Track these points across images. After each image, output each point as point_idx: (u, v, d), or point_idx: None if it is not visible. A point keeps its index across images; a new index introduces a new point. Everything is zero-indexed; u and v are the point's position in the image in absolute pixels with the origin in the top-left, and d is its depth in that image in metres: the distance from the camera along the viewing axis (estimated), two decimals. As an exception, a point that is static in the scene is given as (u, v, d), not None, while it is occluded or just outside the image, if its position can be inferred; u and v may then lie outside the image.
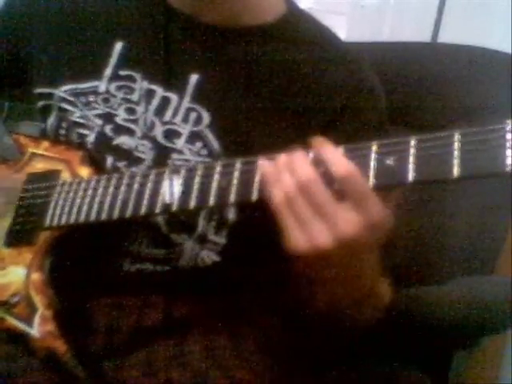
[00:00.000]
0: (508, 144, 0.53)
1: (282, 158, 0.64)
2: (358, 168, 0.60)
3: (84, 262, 0.82)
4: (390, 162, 0.60)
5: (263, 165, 0.65)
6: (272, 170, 0.64)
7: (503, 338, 1.36)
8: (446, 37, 1.67)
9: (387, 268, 0.81)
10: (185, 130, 0.82)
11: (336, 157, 0.62)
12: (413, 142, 0.59)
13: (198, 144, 0.81)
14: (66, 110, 0.86)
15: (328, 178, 0.62)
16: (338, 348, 0.91)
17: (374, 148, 0.61)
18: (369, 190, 0.60)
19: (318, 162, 0.63)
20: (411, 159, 0.58)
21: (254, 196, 0.66)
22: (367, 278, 0.70)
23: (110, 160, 0.83)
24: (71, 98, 0.86)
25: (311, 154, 0.64)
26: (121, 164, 0.83)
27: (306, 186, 0.61)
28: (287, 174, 0.63)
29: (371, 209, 0.60)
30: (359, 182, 0.60)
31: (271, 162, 0.65)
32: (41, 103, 0.89)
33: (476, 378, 1.25)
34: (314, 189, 0.61)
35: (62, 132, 0.87)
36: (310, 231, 0.61)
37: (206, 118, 0.82)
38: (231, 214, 0.81)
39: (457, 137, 0.56)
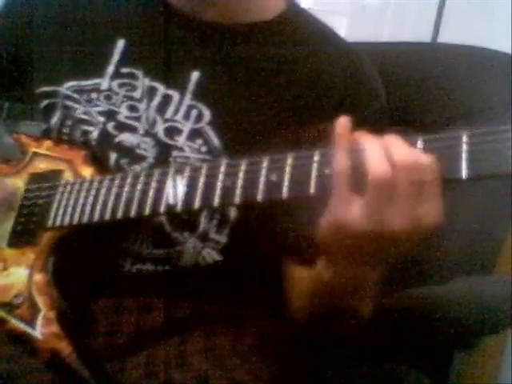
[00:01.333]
0: None
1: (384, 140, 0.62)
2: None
3: (86, 263, 0.82)
4: None
5: (366, 140, 0.62)
6: (374, 147, 0.61)
7: (503, 338, 1.36)
8: (446, 37, 1.67)
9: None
10: (185, 127, 0.82)
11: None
12: (419, 143, 0.59)
13: (199, 141, 0.82)
14: (69, 107, 0.86)
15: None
16: (338, 348, 0.91)
17: None
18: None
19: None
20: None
21: (259, 197, 0.66)
22: (378, 267, 0.69)
23: (113, 157, 0.83)
24: (74, 95, 0.86)
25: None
26: (123, 161, 0.83)
27: (411, 169, 0.59)
28: (394, 154, 0.60)
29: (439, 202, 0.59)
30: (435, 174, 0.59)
31: (375, 140, 0.62)
32: (45, 102, 0.88)
33: (476, 378, 1.25)
34: (417, 172, 0.59)
35: (66, 130, 0.87)
36: (395, 211, 0.59)
37: (207, 115, 0.82)
38: (233, 213, 0.81)
39: (464, 138, 0.56)
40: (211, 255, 0.83)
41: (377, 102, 0.86)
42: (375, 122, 0.84)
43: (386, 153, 0.60)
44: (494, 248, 1.01)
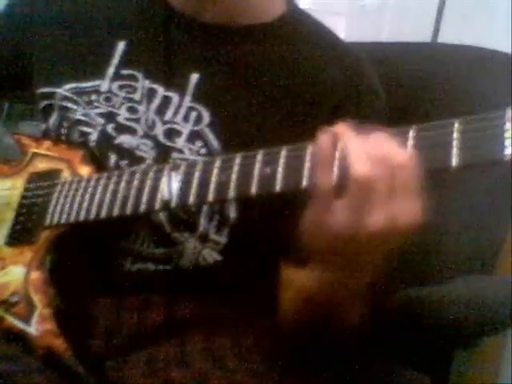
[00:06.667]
0: (507, 132, 0.54)
1: (367, 138, 0.61)
2: None
3: (85, 261, 0.82)
4: None
5: (349, 138, 0.62)
6: (358, 146, 0.61)
7: (503, 338, 1.36)
8: (446, 37, 1.67)
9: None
10: (185, 129, 0.82)
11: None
12: (411, 132, 0.59)
13: (198, 143, 0.82)
14: (67, 109, 0.86)
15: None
16: (337, 348, 0.91)
17: None
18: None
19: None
20: (410, 148, 0.59)
21: (254, 191, 0.66)
22: (367, 272, 0.70)
23: (113, 159, 0.83)
24: (73, 97, 0.86)
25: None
26: (123, 163, 0.83)
27: (387, 166, 0.59)
28: (375, 153, 0.60)
29: (419, 202, 0.60)
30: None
31: (358, 139, 0.62)
32: (44, 103, 0.89)
33: (476, 378, 1.25)
34: (392, 170, 0.59)
35: (64, 131, 0.88)
36: (373, 212, 0.59)
37: (206, 117, 0.82)
38: (232, 213, 0.81)
39: (456, 125, 0.56)
40: (211, 255, 0.83)
41: (376, 103, 0.86)
42: (375, 122, 0.84)
43: (368, 153, 0.59)
44: (494, 248, 1.01)
